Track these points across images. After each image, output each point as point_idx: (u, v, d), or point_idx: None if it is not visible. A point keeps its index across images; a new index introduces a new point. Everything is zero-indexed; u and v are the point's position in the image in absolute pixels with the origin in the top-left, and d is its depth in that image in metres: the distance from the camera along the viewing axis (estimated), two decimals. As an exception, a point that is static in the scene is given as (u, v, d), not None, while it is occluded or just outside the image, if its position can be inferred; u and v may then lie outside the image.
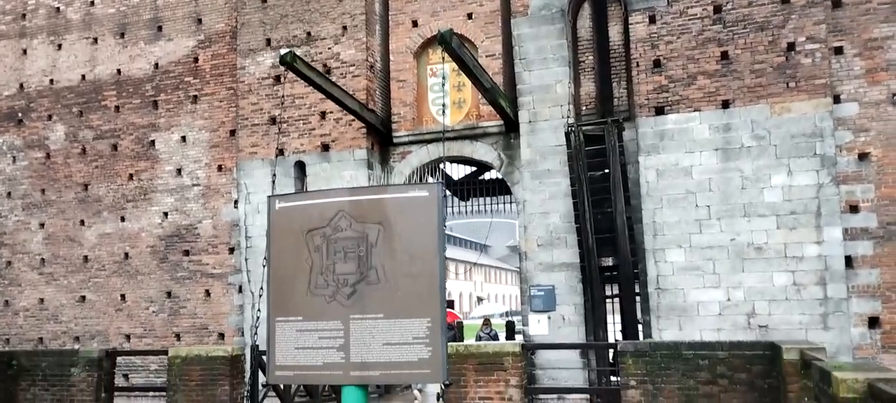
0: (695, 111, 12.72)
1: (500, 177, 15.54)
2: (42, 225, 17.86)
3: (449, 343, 9.43)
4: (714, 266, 12.53)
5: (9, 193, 18.25)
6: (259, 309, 12.93)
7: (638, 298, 13.28)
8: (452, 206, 19.13)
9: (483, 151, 14.77)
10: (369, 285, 3.53)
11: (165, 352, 10.49)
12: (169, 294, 16.53)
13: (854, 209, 12.15)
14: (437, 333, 3.44)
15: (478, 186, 18.51)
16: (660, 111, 12.94)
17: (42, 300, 17.65)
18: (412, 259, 3.46)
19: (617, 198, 12.96)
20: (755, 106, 12.39)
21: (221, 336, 16.02)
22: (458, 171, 18.89)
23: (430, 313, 3.46)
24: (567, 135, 13.40)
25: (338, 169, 15.06)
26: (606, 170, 13.31)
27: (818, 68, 12.13)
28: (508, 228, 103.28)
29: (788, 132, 12.19)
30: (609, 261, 13.18)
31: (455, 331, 20.03)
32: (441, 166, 15.66)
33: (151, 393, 12.10)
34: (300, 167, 15.41)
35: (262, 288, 14.08)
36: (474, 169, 18.90)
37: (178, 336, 16.40)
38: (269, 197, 3.87)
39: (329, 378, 3.54)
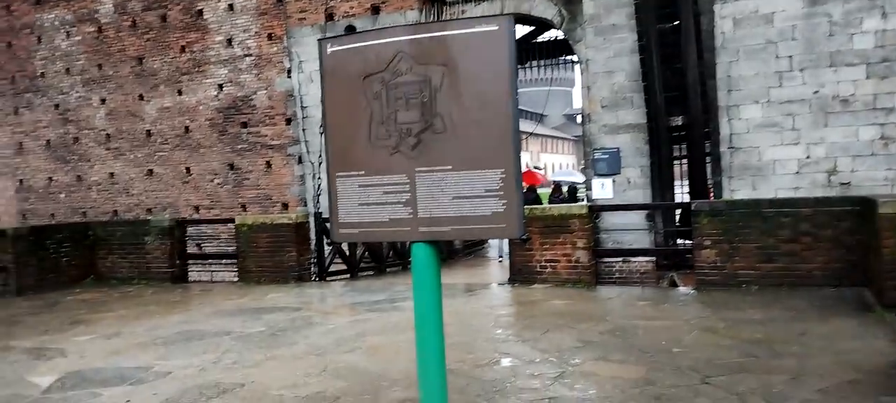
0: (780, -51, 11.51)
1: (560, 35, 14.72)
2: (103, 100, 18.07)
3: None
4: (794, 121, 11.72)
5: (67, 69, 18.42)
6: (320, 178, 12.92)
7: (708, 159, 12.66)
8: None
9: (542, 7, 13.90)
10: (435, 134, 3.17)
11: (232, 221, 10.60)
12: (231, 166, 16.71)
13: (955, 54, 11.01)
14: (511, 185, 3.10)
15: (533, 49, 17.70)
16: (739, -48, 11.75)
17: (112, 174, 18.16)
18: (482, 103, 3.07)
19: (688, 51, 12.09)
20: (850, -60, 11.10)
21: (285, 205, 16.24)
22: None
23: (504, 163, 3.10)
24: (636, -17, 12.40)
25: (391, 32, 14.46)
26: (677, 22, 12.36)
27: None
28: (564, 96, 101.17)
29: (887, -31, 10.95)
30: (678, 121, 12.50)
31: (534, 195, 19.87)
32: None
33: (223, 261, 12.43)
34: (350, 32, 14.88)
35: (320, 157, 14.03)
36: (532, 28, 18.02)
37: (243, 207, 16.71)
38: (319, 40, 3.49)
39: (396, 235, 3.28)
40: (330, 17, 14.87)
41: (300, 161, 15.75)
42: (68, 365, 5.24)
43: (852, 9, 11.17)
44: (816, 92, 11.53)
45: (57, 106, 18.68)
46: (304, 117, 15.45)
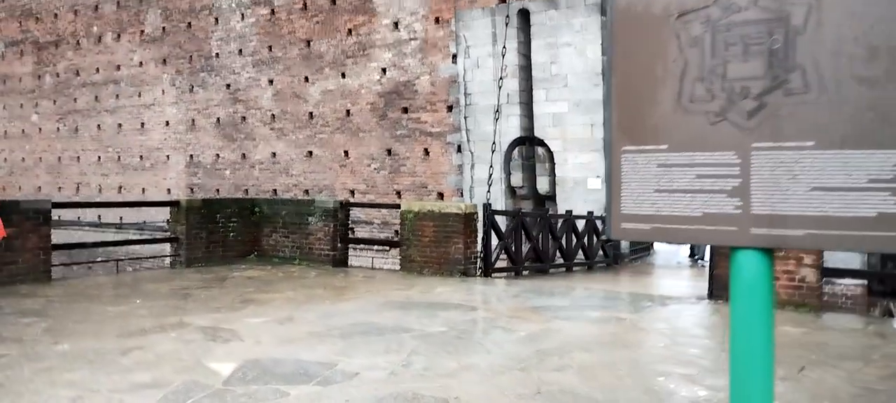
0: None
1: None
2: (271, 81, 18.48)
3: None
4: None
5: (240, 50, 19.01)
6: (491, 166, 12.22)
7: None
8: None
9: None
10: (789, 95, 2.18)
11: (397, 206, 10.12)
12: (389, 151, 16.48)
13: None
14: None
15: None
16: None
17: (274, 154, 18.55)
18: (871, 52, 2.06)
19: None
20: None
21: (441, 195, 15.76)
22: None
23: (904, 141, 2.05)
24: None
25: (566, 16, 13.53)
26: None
27: None
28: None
29: None
30: None
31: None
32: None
33: (376, 247, 12.08)
34: (524, 16, 14.09)
35: (493, 146, 13.31)
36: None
37: (398, 194, 16.43)
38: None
39: (713, 236, 2.33)
40: (502, -1, 14.16)
41: (459, 150, 15.19)
42: (246, 352, 4.78)
43: None
44: None
45: (228, 85, 19.36)
46: (467, 104, 14.85)
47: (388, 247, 12.54)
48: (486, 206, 9.61)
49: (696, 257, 16.18)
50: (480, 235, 9.60)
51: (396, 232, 16.25)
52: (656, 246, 17.25)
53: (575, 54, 13.37)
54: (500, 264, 10.15)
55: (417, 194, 16.09)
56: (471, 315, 6.50)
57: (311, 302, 6.97)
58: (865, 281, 10.79)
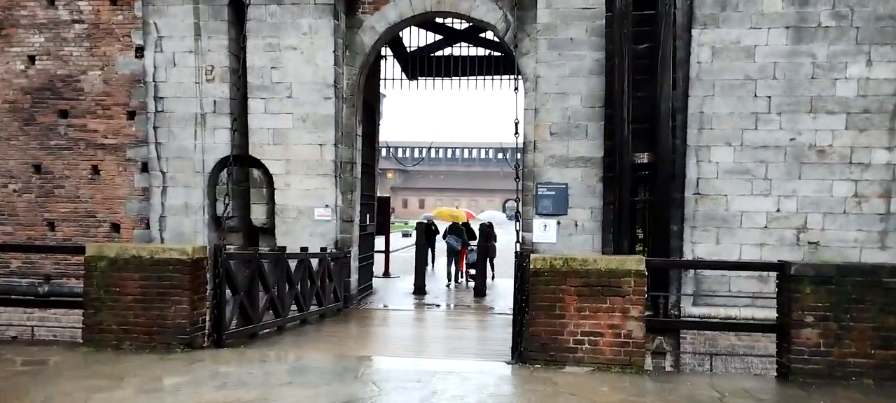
0: (767, -27, 10.32)
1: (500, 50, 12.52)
2: None
3: (542, 256, 6.62)
4: (766, 170, 10.50)
5: None
6: (227, 196, 9.06)
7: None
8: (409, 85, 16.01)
9: (484, 9, 11.60)
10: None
11: (80, 250, 6.87)
12: (38, 168, 12.25)
13: (926, 112, 10.42)
14: None
15: (444, 63, 15.35)
16: (722, -29, 10.40)
17: None
18: None
19: (663, 79, 10.42)
20: (839, -24, 10.17)
21: (116, 227, 12.12)
22: (426, 38, 15.60)
23: None
24: (610, -7, 10.56)
25: (292, 14, 11.32)
26: (649, 44, 10.70)
27: (914, -67, 10.05)
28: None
29: (874, 12, 10.14)
30: (642, 158, 10.77)
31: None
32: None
33: (55, 306, 8.39)
34: (236, 8, 11.47)
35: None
36: (440, 37, 15.70)
37: (51, 225, 12.27)
38: None
39: None
40: (211, -18, 11.33)
41: (145, 168, 11.81)
42: None
43: (838, 52, 10.22)
44: (793, 139, 10.41)
45: None
46: (158, 111, 11.59)
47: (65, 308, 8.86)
48: (218, 249, 6.95)
49: (458, 272, 15.30)
50: (210, 289, 6.90)
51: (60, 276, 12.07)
52: (382, 283, 15.77)
53: (302, 61, 11.22)
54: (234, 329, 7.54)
55: (80, 226, 12.16)
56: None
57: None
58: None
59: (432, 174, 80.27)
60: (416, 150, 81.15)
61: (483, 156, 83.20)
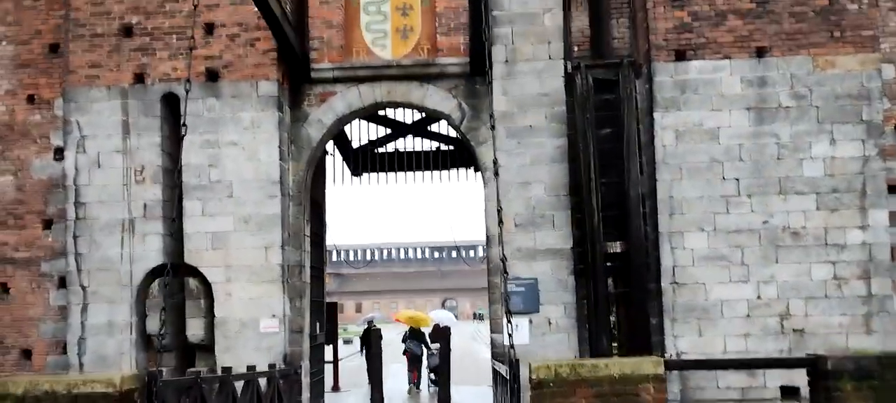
0: (724, 58, 10.20)
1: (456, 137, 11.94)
2: None
3: (546, 364, 5.71)
4: (742, 255, 10.06)
5: None
6: (163, 310, 7.69)
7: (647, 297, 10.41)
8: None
9: (437, 98, 11.06)
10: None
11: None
12: (-67, 287, 10.68)
13: (893, 190, 10.28)
14: None
15: (399, 157, 14.69)
16: (681, 55, 10.25)
17: None
18: None
19: (631, 164, 10.02)
20: (795, 57, 10.16)
21: (27, 353, 10.57)
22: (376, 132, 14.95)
23: None
24: (570, 77, 10.21)
25: (232, 108, 10.47)
26: (611, 129, 10.33)
27: (865, 17, 10.18)
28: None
29: (833, 92, 10.10)
30: (615, 247, 10.19)
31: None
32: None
33: None
34: (170, 103, 10.53)
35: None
36: (388, 131, 15.10)
37: (-53, 355, 10.59)
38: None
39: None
40: (140, 78, 10.41)
41: (63, 284, 10.42)
42: None
43: (801, 131, 10.07)
44: (766, 221, 10.05)
45: None
46: (79, 219, 10.34)
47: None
48: (153, 377, 5.76)
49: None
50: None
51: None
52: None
53: (244, 157, 10.30)
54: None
55: (-16, 353, 10.57)
56: None
57: None
58: None
59: (368, 277, 78.49)
60: (352, 252, 79.52)
61: (419, 255, 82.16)
